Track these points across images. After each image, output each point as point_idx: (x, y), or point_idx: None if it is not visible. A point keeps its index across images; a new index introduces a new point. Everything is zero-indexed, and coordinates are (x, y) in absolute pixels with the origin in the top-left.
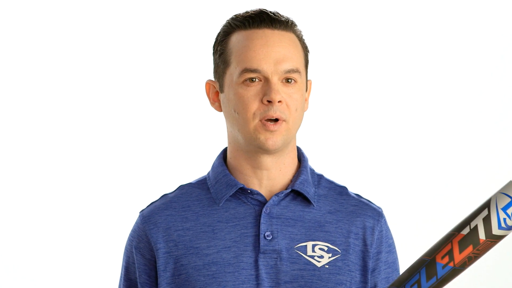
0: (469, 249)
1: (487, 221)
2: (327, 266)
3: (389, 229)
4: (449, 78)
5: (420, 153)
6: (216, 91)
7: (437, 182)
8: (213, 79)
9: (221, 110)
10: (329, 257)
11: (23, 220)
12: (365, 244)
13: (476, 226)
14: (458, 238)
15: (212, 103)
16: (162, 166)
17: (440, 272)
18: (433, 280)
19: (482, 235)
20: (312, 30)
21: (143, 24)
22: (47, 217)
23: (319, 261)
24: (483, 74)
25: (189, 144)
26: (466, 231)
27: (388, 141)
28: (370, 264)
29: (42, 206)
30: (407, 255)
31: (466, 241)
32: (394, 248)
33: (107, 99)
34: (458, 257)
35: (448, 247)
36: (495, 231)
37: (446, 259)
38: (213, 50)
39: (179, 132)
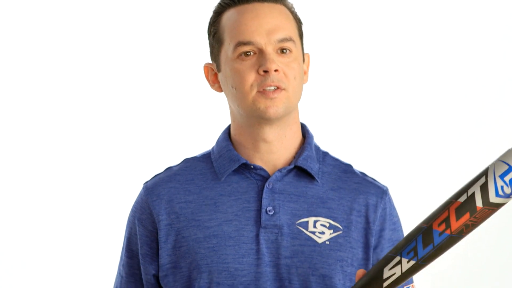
0: (466, 217)
1: (484, 188)
2: (328, 243)
3: (394, 207)
4: (452, 56)
5: (427, 135)
6: (214, 72)
7: (447, 167)
8: (210, 62)
9: (221, 91)
10: (330, 234)
11: (23, 192)
12: (367, 221)
13: (473, 194)
14: (455, 205)
15: (212, 85)
16: (168, 140)
17: (437, 240)
18: (430, 247)
19: (479, 203)
20: (316, 8)
21: (143, 7)
22: (50, 189)
23: (320, 237)
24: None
25: (195, 118)
26: (463, 198)
27: (394, 123)
28: (373, 241)
29: (45, 177)
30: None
31: (463, 209)
32: (400, 226)
33: (114, 72)
34: (455, 224)
35: (445, 215)
36: (493, 198)
37: (443, 226)
38: (208, 33)
39: (186, 106)
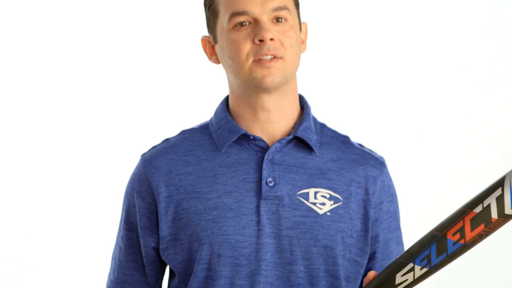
0: (481, 228)
1: (500, 200)
2: (328, 214)
3: (391, 179)
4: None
5: (422, 108)
6: (211, 45)
7: (437, 134)
8: (207, 35)
9: (219, 62)
10: (331, 205)
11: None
12: (367, 193)
13: (489, 205)
14: (470, 216)
15: (210, 58)
16: (164, 111)
17: (451, 249)
18: (443, 256)
19: (494, 214)
20: None
21: None
22: (44, 160)
23: (321, 208)
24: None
25: (191, 89)
26: (478, 209)
27: (391, 93)
28: (372, 213)
29: (39, 145)
30: (408, 205)
31: (478, 220)
32: (396, 197)
33: (112, 42)
34: (470, 234)
35: (459, 224)
36: (508, 210)
37: (458, 236)
38: (204, 5)
39: (182, 77)
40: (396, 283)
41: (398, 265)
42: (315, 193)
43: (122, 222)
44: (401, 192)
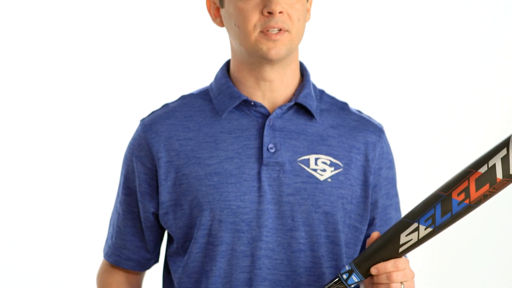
0: (486, 188)
1: (505, 160)
2: (329, 180)
3: (389, 146)
4: None
5: (419, 73)
6: (216, 7)
7: (436, 100)
8: None
9: (223, 26)
10: (332, 171)
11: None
12: (366, 159)
13: (494, 165)
14: (475, 176)
15: (214, 19)
16: (164, 76)
17: (455, 209)
18: (448, 216)
19: (499, 174)
20: None
21: None
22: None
23: (321, 175)
24: None
25: (191, 54)
26: (483, 169)
27: (389, 60)
28: (371, 179)
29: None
30: (406, 171)
31: (483, 180)
32: (394, 164)
33: (110, 8)
34: (474, 194)
35: (464, 184)
36: None
37: (462, 196)
38: None
39: (181, 43)
40: (401, 243)
41: (403, 225)
42: (316, 159)
43: (121, 187)
44: (399, 159)
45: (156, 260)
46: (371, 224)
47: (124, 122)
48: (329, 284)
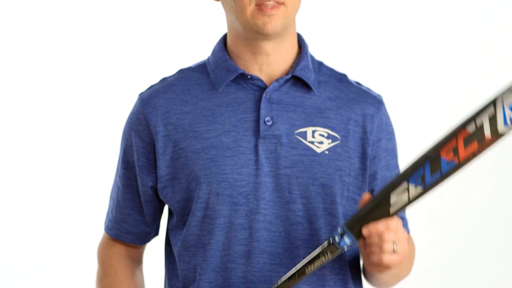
0: (474, 146)
1: (493, 118)
2: (326, 152)
3: (388, 117)
4: None
5: (419, 41)
6: None
7: (436, 70)
8: None
9: (218, 0)
10: (329, 143)
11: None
12: (364, 131)
13: (481, 123)
14: (464, 134)
15: None
16: (161, 50)
17: (444, 168)
18: (437, 175)
19: (487, 132)
20: None
21: None
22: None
23: (318, 147)
24: None
25: (189, 29)
26: (471, 128)
27: (389, 29)
28: (369, 151)
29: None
30: (406, 142)
31: (471, 138)
32: (394, 135)
33: None
34: (463, 153)
35: (453, 143)
36: (501, 128)
37: (451, 154)
38: None
39: (179, 16)
40: (391, 203)
41: (393, 185)
42: (313, 131)
43: (120, 161)
44: (399, 130)
45: (156, 234)
46: None
47: (124, 97)
48: (322, 247)
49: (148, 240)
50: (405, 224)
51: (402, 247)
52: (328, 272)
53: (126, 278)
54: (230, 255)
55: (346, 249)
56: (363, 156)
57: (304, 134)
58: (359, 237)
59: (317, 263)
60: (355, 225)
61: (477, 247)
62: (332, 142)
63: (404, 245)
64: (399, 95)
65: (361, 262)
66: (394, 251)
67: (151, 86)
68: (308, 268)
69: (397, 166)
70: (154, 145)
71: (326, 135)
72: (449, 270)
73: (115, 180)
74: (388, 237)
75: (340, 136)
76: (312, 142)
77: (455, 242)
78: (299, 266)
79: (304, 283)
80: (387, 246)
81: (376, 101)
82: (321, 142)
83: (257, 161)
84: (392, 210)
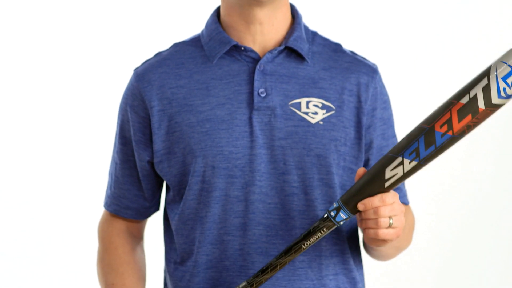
0: (468, 118)
1: (486, 90)
2: (321, 123)
3: (384, 86)
4: None
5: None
6: None
7: (432, 39)
8: None
9: None
10: (323, 114)
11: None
12: (359, 100)
13: (475, 95)
14: (457, 107)
15: None
16: (155, 25)
17: (439, 141)
18: (432, 148)
19: (481, 104)
20: None
21: None
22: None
23: (313, 118)
24: None
25: (183, 2)
26: (465, 100)
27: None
28: (365, 121)
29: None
30: (402, 112)
31: (465, 110)
32: (389, 104)
33: None
34: (457, 126)
35: (447, 116)
36: (494, 100)
37: (445, 127)
38: None
39: None
40: (386, 178)
41: (387, 159)
42: (307, 102)
43: (117, 137)
44: (396, 100)
45: (156, 209)
46: (366, 165)
47: (119, 72)
48: (319, 222)
49: (148, 215)
50: (403, 195)
51: (398, 221)
52: (324, 243)
53: (126, 254)
54: (227, 227)
55: (341, 223)
56: (358, 125)
57: (298, 105)
58: (355, 212)
59: (313, 239)
60: (351, 200)
61: (474, 247)
62: (327, 112)
63: (400, 219)
64: (395, 64)
65: (360, 235)
66: (390, 226)
67: (146, 61)
68: (304, 244)
69: (394, 136)
70: (149, 120)
71: (320, 105)
72: (445, 270)
73: (113, 156)
74: (384, 212)
75: (334, 106)
76: (307, 113)
77: (453, 243)
78: (295, 241)
79: (301, 254)
80: (383, 221)
81: (370, 70)
82: (316, 113)
83: (251, 133)
84: (387, 184)
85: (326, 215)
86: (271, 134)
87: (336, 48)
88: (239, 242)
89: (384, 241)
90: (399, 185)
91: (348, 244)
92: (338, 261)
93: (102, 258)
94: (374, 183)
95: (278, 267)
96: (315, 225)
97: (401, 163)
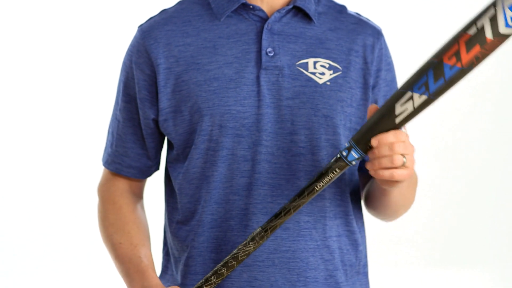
0: (476, 49)
1: (493, 20)
2: (328, 83)
3: (388, 48)
4: None
5: None
6: None
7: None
8: None
9: None
10: (330, 74)
11: None
12: (365, 61)
13: (482, 26)
14: (465, 38)
15: None
16: None
17: (448, 73)
18: (441, 81)
19: (489, 34)
20: None
21: None
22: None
23: (320, 78)
24: None
25: None
26: (473, 31)
27: None
28: (371, 81)
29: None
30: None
31: (473, 41)
32: (393, 66)
33: None
34: (466, 57)
35: (455, 48)
36: (502, 29)
37: (454, 59)
38: None
39: None
40: (396, 113)
41: (397, 95)
42: (314, 63)
43: (120, 95)
44: (399, 63)
45: (157, 168)
46: None
47: (123, 29)
48: (331, 163)
49: (150, 174)
50: None
51: (410, 161)
52: (328, 204)
53: (130, 213)
54: (233, 187)
55: (354, 163)
56: (365, 86)
57: (305, 65)
58: (366, 150)
59: (325, 180)
60: (362, 138)
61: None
62: (334, 73)
63: (412, 158)
64: (398, 28)
65: (362, 195)
66: (404, 164)
67: (151, 18)
68: (317, 186)
69: None
70: (155, 78)
71: (327, 66)
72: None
73: (115, 114)
74: (398, 148)
75: (341, 67)
76: (314, 73)
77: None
78: (308, 184)
79: (305, 214)
80: (397, 158)
81: (376, 32)
82: (323, 73)
83: (259, 92)
84: (398, 120)
85: (338, 155)
86: (278, 94)
87: (341, 9)
88: (244, 201)
89: (397, 181)
90: (409, 121)
91: (351, 206)
92: (342, 223)
93: (106, 218)
94: (385, 119)
95: (292, 210)
96: (327, 166)
97: (411, 97)
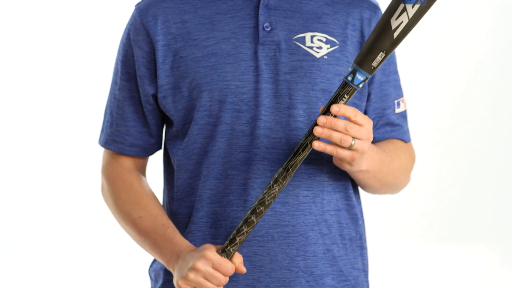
0: None
1: None
2: (325, 57)
3: None
4: None
5: None
6: None
7: None
8: None
9: None
10: (328, 48)
11: None
12: (362, 35)
13: None
14: None
15: None
16: None
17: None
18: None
19: None
20: None
21: None
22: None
23: (317, 52)
24: None
25: None
26: None
27: None
28: None
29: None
30: (403, 51)
31: None
32: None
33: None
34: None
35: None
36: None
37: None
38: None
39: None
40: (393, 28)
41: (390, 10)
42: (312, 37)
43: (119, 74)
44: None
45: (159, 146)
46: (367, 100)
47: (120, 8)
48: (338, 90)
49: (152, 152)
50: (403, 132)
51: (360, 146)
52: (327, 179)
53: (142, 188)
54: (232, 161)
55: (361, 86)
56: None
57: (302, 40)
58: (371, 70)
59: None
60: (364, 59)
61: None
62: (331, 47)
63: (364, 145)
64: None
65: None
66: (351, 147)
67: None
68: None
69: (395, 72)
70: (154, 55)
71: (324, 40)
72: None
73: (113, 94)
74: (351, 129)
75: (338, 41)
76: (311, 47)
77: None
78: (319, 115)
79: (304, 189)
80: (346, 139)
81: (372, 6)
82: (320, 47)
83: (257, 67)
84: (395, 34)
85: (343, 82)
86: (276, 69)
87: None
88: (243, 176)
89: (350, 165)
90: (408, 33)
91: (351, 180)
92: (341, 197)
93: (118, 198)
94: (383, 36)
95: (309, 145)
96: (335, 93)
97: (404, 9)
